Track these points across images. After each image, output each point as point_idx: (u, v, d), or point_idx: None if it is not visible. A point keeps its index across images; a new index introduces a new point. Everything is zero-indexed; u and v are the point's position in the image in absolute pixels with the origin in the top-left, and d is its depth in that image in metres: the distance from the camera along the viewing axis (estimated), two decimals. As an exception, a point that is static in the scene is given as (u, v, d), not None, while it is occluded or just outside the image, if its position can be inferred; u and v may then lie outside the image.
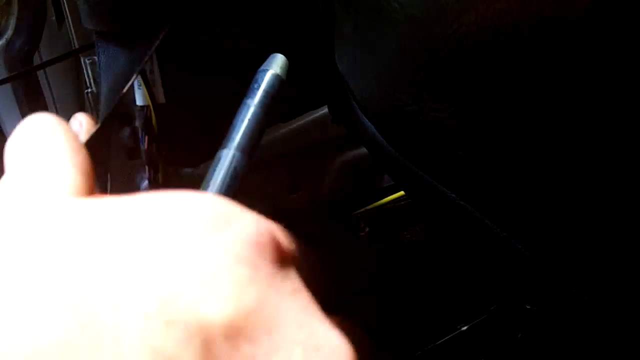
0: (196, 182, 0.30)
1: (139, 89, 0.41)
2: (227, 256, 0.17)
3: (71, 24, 0.52)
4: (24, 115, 0.57)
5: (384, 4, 0.30)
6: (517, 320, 0.58)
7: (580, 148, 0.25)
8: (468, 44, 0.26)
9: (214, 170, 0.30)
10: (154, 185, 0.44)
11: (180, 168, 0.55)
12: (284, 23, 0.43)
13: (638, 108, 0.23)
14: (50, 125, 0.22)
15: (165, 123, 0.42)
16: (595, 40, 0.23)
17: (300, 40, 0.42)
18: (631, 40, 0.22)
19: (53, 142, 0.21)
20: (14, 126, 0.22)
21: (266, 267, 0.18)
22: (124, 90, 0.36)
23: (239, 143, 0.31)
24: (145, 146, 0.42)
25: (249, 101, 0.32)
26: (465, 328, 0.59)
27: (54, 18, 0.54)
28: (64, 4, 0.52)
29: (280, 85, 0.33)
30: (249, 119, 0.32)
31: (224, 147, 0.31)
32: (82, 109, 0.56)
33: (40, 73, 0.58)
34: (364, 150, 0.53)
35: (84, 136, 0.35)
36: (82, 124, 0.35)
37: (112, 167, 0.34)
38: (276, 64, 0.34)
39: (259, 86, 0.33)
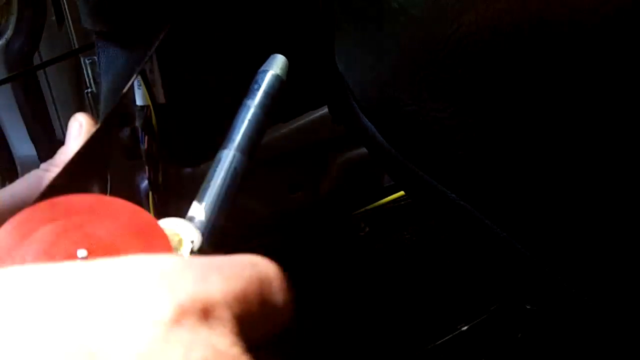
0: (196, 182, 0.30)
1: (139, 89, 0.41)
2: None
3: (71, 24, 0.52)
4: (24, 115, 0.57)
5: (384, 4, 0.30)
6: (517, 320, 0.58)
7: (580, 148, 0.25)
8: (468, 44, 0.26)
9: (214, 170, 0.30)
10: (154, 185, 0.45)
11: (180, 168, 0.55)
12: (284, 23, 0.43)
13: (636, 109, 0.23)
14: None
15: (165, 123, 0.42)
16: (606, 44, 0.23)
17: (300, 40, 0.42)
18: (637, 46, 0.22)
19: None
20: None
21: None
22: (124, 90, 0.36)
23: (239, 144, 0.31)
24: (145, 146, 0.42)
25: (249, 102, 0.32)
26: (465, 328, 0.59)
27: (54, 18, 0.54)
28: (64, 4, 0.52)
29: (280, 85, 0.33)
30: (249, 120, 0.32)
31: (224, 148, 0.31)
32: (82, 109, 0.56)
33: (40, 73, 0.58)
34: (364, 150, 0.53)
35: (84, 136, 0.35)
36: (82, 124, 0.35)
37: (112, 167, 0.34)
38: (276, 65, 0.34)
39: (259, 87, 0.33)
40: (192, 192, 0.30)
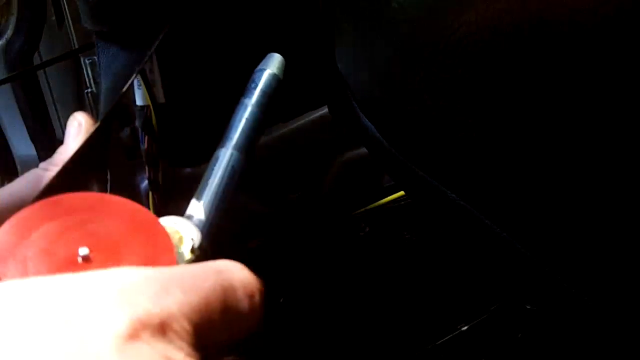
0: (196, 182, 0.30)
1: (139, 89, 0.41)
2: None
3: (71, 24, 0.52)
4: (24, 115, 0.57)
5: (384, 4, 0.30)
6: (517, 320, 0.58)
7: (581, 148, 0.25)
8: (468, 44, 0.26)
9: (212, 169, 0.30)
10: (154, 185, 0.44)
11: (180, 168, 0.55)
12: (285, 23, 0.43)
13: (636, 109, 0.23)
14: None
15: (165, 123, 0.42)
16: (606, 44, 0.23)
17: (300, 40, 0.42)
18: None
19: None
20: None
21: None
22: (124, 90, 0.36)
23: (237, 142, 0.31)
24: (145, 146, 0.42)
25: (246, 100, 0.32)
26: (465, 328, 0.58)
27: (54, 18, 0.54)
28: (64, 4, 0.52)
29: (277, 84, 0.33)
30: (246, 118, 0.32)
31: (222, 147, 0.31)
32: (82, 109, 0.56)
33: (40, 73, 0.58)
34: (364, 150, 0.53)
35: (83, 135, 0.35)
36: (81, 124, 0.35)
37: (112, 167, 0.34)
38: (273, 64, 0.34)
39: (257, 85, 0.33)
40: (192, 192, 0.30)
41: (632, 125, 0.23)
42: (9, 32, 0.54)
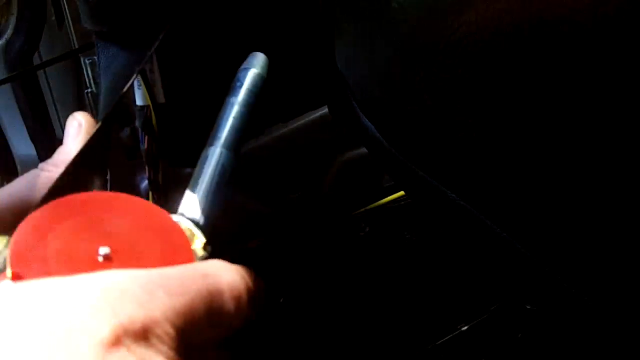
0: (196, 182, 0.30)
1: (139, 89, 0.41)
2: None
3: (71, 24, 0.52)
4: (24, 115, 0.57)
5: (384, 4, 0.30)
6: (517, 320, 0.58)
7: (581, 148, 0.25)
8: (468, 44, 0.26)
9: (202, 168, 0.30)
10: (154, 185, 0.44)
11: (180, 168, 0.55)
12: (285, 23, 0.43)
13: (636, 109, 0.23)
14: None
15: (165, 123, 0.42)
16: (606, 44, 0.23)
17: (300, 40, 0.42)
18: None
19: None
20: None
21: None
22: (124, 90, 0.36)
23: (226, 140, 0.31)
24: (145, 146, 0.42)
25: (232, 99, 0.33)
26: (465, 328, 0.58)
27: (54, 18, 0.54)
28: (64, 4, 0.52)
29: (261, 83, 0.34)
30: (233, 117, 0.32)
31: (210, 145, 0.31)
32: (82, 109, 0.56)
33: (40, 73, 0.58)
34: (364, 150, 0.53)
35: (83, 136, 0.35)
36: (81, 124, 0.35)
37: (112, 167, 0.34)
38: (257, 63, 0.34)
39: (242, 84, 0.33)
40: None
41: (632, 125, 0.23)
42: (9, 32, 0.54)
